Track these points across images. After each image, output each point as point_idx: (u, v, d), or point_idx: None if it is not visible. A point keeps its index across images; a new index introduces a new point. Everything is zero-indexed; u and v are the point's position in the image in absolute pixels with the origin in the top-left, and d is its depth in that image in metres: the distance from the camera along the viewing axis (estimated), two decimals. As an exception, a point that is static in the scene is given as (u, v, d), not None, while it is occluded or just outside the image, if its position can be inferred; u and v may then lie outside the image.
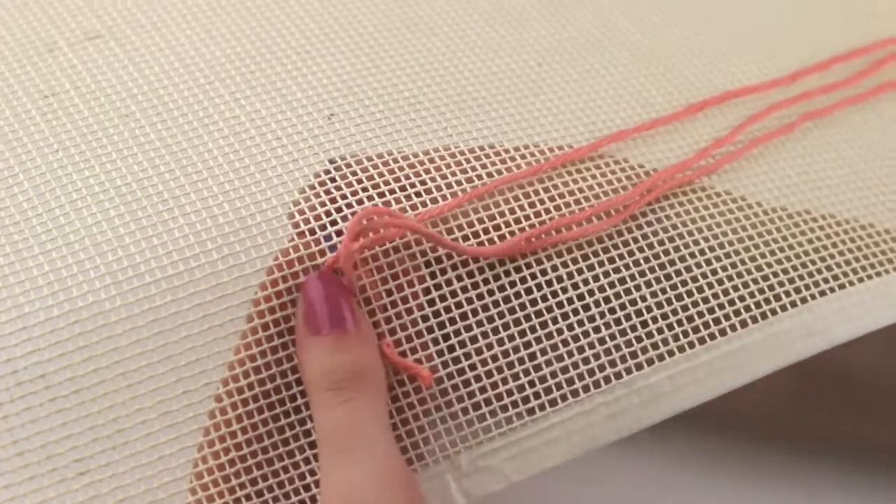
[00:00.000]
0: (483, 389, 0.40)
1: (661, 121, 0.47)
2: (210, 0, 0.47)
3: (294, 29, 0.47)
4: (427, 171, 0.42)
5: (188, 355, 0.39)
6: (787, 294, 0.43)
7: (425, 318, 0.40)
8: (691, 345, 0.42)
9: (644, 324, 0.42)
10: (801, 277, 0.44)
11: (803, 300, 0.43)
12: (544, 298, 0.41)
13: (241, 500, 0.39)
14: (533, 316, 0.41)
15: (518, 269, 0.41)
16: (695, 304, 0.43)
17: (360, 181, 0.41)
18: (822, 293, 0.44)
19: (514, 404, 0.41)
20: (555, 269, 0.42)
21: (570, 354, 0.41)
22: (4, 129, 0.42)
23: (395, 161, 0.42)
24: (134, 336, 0.39)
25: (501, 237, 0.42)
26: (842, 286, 0.44)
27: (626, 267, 0.42)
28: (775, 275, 0.44)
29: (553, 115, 0.46)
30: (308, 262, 0.40)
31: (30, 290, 0.39)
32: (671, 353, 0.42)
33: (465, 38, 0.48)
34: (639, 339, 0.42)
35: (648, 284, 0.42)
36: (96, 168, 0.41)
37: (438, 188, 0.42)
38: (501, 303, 0.41)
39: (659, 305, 0.42)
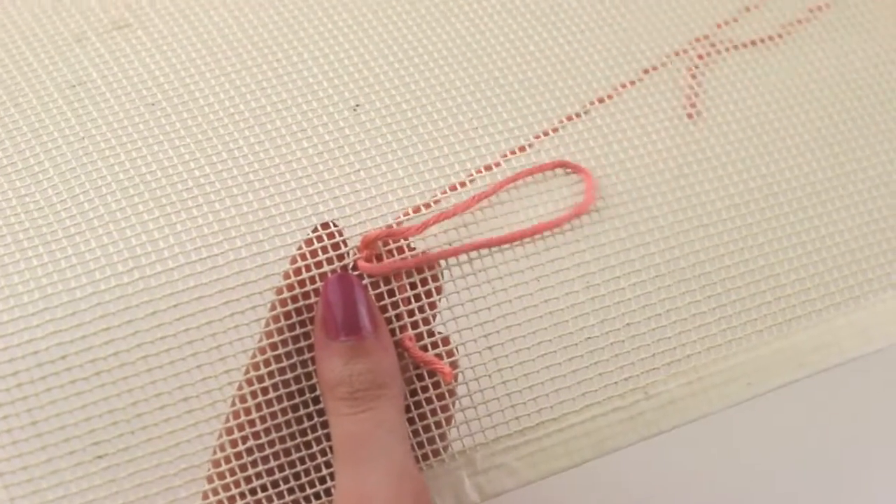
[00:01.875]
0: (501, 387, 0.41)
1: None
2: (239, -16, 0.47)
3: (321, 13, 0.46)
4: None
5: (209, 342, 0.39)
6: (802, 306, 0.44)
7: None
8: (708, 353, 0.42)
9: (663, 329, 0.42)
10: (816, 289, 0.44)
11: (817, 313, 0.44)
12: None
13: (257, 489, 0.39)
14: None
15: None
16: (713, 311, 0.43)
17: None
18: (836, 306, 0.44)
19: (531, 403, 0.41)
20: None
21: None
22: (32, 120, 0.42)
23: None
24: (155, 320, 0.38)
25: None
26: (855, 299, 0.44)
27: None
28: (791, 286, 0.44)
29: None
30: (332, 251, 0.40)
31: (53, 272, 0.39)
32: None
33: (492, 17, 0.47)
34: (657, 344, 0.42)
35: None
36: (122, 156, 0.41)
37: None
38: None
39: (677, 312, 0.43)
